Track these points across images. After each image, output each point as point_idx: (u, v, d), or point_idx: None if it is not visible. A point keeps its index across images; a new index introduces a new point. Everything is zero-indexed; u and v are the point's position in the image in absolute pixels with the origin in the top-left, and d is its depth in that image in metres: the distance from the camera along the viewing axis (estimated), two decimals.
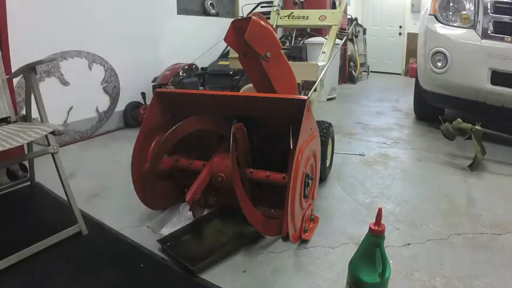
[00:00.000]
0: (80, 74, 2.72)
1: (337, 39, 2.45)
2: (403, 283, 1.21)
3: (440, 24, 2.73)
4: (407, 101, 4.30)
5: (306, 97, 1.32)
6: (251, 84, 1.68)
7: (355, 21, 5.12)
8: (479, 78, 2.49)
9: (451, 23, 2.69)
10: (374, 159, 2.41)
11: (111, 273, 1.25)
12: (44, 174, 1.98)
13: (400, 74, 7.69)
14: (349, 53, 6.20)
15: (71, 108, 2.70)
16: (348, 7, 6.51)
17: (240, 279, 1.24)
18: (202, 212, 1.60)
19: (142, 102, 3.19)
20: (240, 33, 1.37)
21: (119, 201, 1.79)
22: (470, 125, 2.21)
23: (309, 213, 1.48)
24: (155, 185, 1.55)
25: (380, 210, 1.02)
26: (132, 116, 3.13)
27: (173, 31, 3.51)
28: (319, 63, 2.14)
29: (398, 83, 6.57)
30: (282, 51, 1.52)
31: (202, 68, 3.41)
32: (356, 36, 6.35)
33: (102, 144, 2.72)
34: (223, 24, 3.96)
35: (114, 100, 3.05)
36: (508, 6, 2.45)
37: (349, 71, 6.20)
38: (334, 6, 4.83)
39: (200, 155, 1.71)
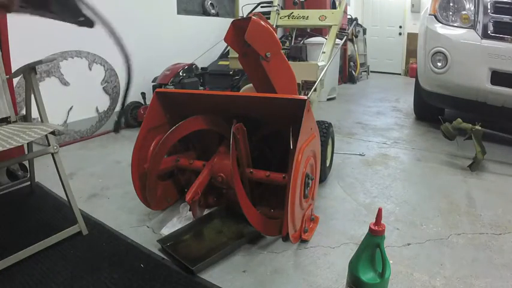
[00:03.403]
0: (80, 74, 2.72)
1: (337, 39, 2.45)
2: (403, 283, 1.21)
3: (440, 24, 2.73)
4: (407, 101, 4.30)
5: (306, 97, 1.32)
6: (251, 84, 1.68)
7: (355, 21, 5.11)
8: (479, 78, 2.49)
9: (451, 23, 2.69)
10: (374, 159, 2.41)
11: (111, 273, 1.25)
12: (44, 174, 1.99)
13: (400, 74, 7.68)
14: (349, 53, 6.19)
15: (71, 108, 2.70)
16: (348, 7, 6.51)
17: (240, 279, 1.24)
18: (202, 212, 1.60)
19: (143, 102, 3.20)
20: (240, 33, 1.37)
21: (119, 201, 1.79)
22: (470, 125, 2.21)
23: (309, 213, 1.48)
24: (155, 185, 1.55)
25: (380, 210, 1.02)
26: (132, 116, 3.13)
27: (173, 31, 3.51)
28: (319, 63, 2.14)
29: (398, 83, 6.57)
30: (282, 51, 1.52)
31: (202, 68, 3.41)
32: (356, 36, 6.34)
33: (102, 144, 2.72)
34: (223, 24, 3.96)
35: (114, 100, 3.05)
36: (508, 6, 2.45)
37: (349, 71, 6.20)
38: (334, 6, 4.83)
39: (200, 155, 1.71)
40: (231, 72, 3.42)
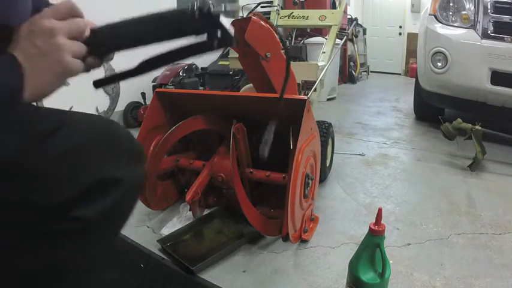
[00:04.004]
0: (79, 74, 2.71)
1: (337, 39, 2.45)
2: (403, 283, 1.21)
3: (440, 24, 2.73)
4: (407, 101, 4.30)
5: (306, 97, 1.32)
6: (251, 84, 1.68)
7: (355, 21, 5.11)
8: (479, 78, 2.49)
9: (451, 23, 2.69)
10: (374, 159, 2.41)
11: (111, 273, 1.25)
12: None
13: (400, 74, 7.69)
14: (349, 53, 6.19)
15: (70, 108, 2.70)
16: (348, 7, 6.51)
17: (240, 279, 1.24)
18: (202, 212, 1.60)
19: (142, 102, 3.19)
20: (240, 33, 1.37)
21: None
22: (470, 125, 2.21)
23: (309, 213, 1.48)
24: (155, 185, 1.55)
25: (380, 210, 1.02)
26: (132, 116, 3.13)
27: None
28: (319, 63, 2.14)
29: (399, 83, 6.57)
30: (282, 51, 1.52)
31: (202, 68, 3.41)
32: (356, 36, 6.34)
33: None
34: None
35: (114, 100, 3.05)
36: (508, 6, 2.45)
37: (349, 71, 6.20)
38: (334, 6, 4.83)
39: (200, 155, 1.71)
40: (231, 72, 3.42)
